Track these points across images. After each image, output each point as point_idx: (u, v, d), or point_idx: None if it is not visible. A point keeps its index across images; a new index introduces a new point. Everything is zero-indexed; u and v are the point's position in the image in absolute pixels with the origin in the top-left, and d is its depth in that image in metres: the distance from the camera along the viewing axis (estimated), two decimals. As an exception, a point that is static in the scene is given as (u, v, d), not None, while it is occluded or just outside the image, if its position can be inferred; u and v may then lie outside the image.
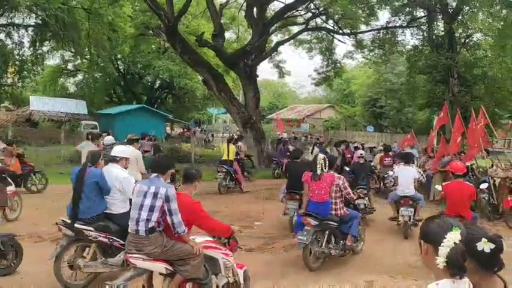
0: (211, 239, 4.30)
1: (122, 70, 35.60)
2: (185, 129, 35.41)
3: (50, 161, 16.10)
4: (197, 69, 19.87)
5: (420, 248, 1.84)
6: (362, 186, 8.87)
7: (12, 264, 5.28)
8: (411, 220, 7.87)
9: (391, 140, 29.87)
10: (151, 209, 3.82)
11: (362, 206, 8.36)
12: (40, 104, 28.16)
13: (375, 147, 18.85)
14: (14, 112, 29.13)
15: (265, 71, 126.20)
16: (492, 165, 11.51)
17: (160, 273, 3.94)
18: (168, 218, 3.83)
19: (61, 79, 36.89)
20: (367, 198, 8.91)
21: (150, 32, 22.31)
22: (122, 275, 3.77)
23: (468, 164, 11.56)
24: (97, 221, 4.89)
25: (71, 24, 20.91)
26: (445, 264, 1.67)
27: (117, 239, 4.85)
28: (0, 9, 22.18)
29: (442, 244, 1.68)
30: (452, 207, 6.44)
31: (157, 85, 37.80)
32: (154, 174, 4.02)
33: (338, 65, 23.86)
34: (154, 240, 3.82)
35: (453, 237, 1.68)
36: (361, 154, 10.47)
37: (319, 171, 6.23)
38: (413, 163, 9.34)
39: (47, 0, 18.59)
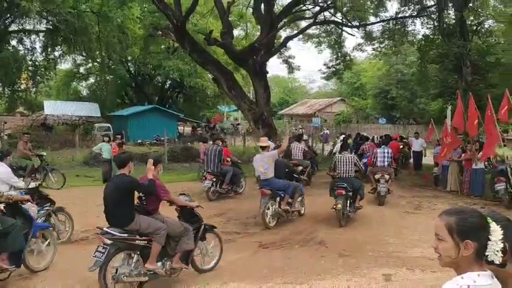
0: None
1: (132, 72, 35.89)
2: (196, 128, 35.51)
3: (65, 163, 16.35)
4: (207, 68, 19.88)
5: (439, 243, 1.76)
6: None
7: None
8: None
9: (404, 132, 29.57)
10: (386, 156, 10.13)
11: None
12: (54, 108, 28.55)
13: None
14: (29, 117, 29.60)
15: (275, 66, 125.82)
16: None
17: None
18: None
19: (73, 83, 37.40)
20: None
21: (159, 32, 22.42)
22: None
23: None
24: None
25: (81, 28, 21.16)
26: (501, 257, 1.61)
27: None
28: (12, 16, 22.54)
29: (491, 239, 1.62)
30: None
31: (167, 85, 38.01)
32: (384, 145, 10.65)
33: (347, 58, 23.63)
34: (389, 169, 9.86)
35: (496, 229, 1.63)
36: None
37: None
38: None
39: (57, 5, 18.81)
